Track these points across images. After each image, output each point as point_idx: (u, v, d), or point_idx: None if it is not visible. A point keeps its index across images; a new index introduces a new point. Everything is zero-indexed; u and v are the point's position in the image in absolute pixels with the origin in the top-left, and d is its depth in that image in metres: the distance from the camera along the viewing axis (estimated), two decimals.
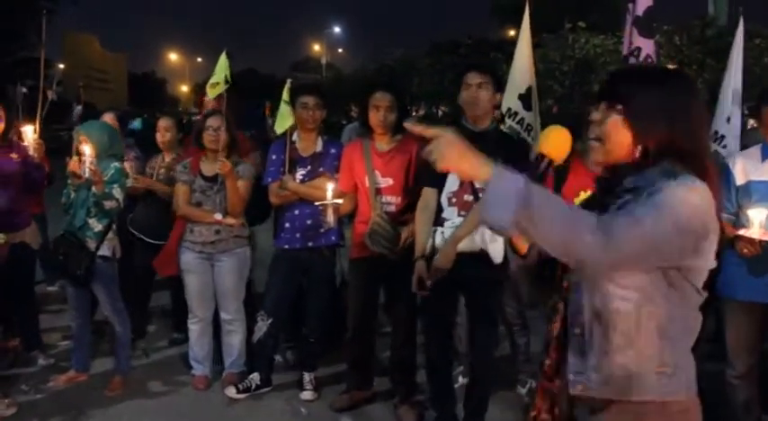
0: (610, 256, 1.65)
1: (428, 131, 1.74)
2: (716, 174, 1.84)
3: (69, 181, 4.36)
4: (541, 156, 1.98)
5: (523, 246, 2.03)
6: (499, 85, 3.88)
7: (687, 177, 1.75)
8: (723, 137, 4.65)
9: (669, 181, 1.74)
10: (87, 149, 4.17)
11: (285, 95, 4.55)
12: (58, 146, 8.32)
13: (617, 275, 1.80)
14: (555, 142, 2.00)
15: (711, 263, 1.83)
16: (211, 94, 4.82)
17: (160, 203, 5.07)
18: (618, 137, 1.85)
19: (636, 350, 1.81)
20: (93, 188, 4.27)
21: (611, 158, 1.88)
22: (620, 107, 1.84)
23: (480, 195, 3.59)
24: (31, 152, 4.72)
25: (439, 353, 3.94)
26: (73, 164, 4.23)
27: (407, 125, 1.86)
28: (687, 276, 1.80)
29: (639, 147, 1.83)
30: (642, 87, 1.86)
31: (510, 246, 2.08)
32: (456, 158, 1.70)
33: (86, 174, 4.16)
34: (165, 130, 5.35)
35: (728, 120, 4.70)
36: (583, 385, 1.87)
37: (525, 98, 5.16)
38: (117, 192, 4.38)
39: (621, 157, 1.87)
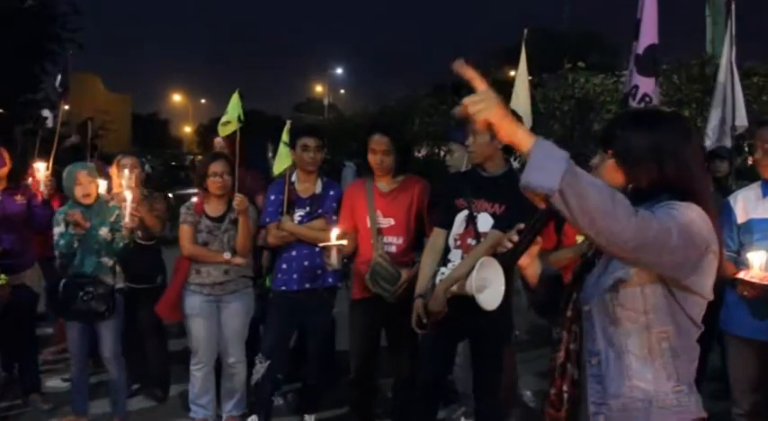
0: (637, 237, 1.65)
1: (478, 82, 1.66)
2: (714, 211, 1.89)
3: (71, 230, 4.22)
4: None
5: (534, 280, 2.14)
6: None
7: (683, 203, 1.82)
8: None
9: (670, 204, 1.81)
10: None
11: (285, 136, 4.53)
12: None
13: (623, 299, 1.85)
14: None
15: (709, 294, 1.88)
16: (222, 132, 4.79)
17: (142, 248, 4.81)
18: (613, 180, 1.93)
19: (653, 372, 1.86)
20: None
21: None
22: (610, 151, 1.94)
23: (482, 239, 3.57)
24: (41, 188, 4.75)
25: (428, 387, 3.77)
26: (77, 214, 4.18)
27: (458, 64, 1.71)
28: (685, 307, 1.85)
29: (630, 187, 1.93)
30: (631, 131, 1.93)
31: (521, 280, 2.16)
32: (500, 115, 1.62)
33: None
34: (130, 169, 4.67)
35: None
36: (603, 415, 1.90)
37: None
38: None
39: None
